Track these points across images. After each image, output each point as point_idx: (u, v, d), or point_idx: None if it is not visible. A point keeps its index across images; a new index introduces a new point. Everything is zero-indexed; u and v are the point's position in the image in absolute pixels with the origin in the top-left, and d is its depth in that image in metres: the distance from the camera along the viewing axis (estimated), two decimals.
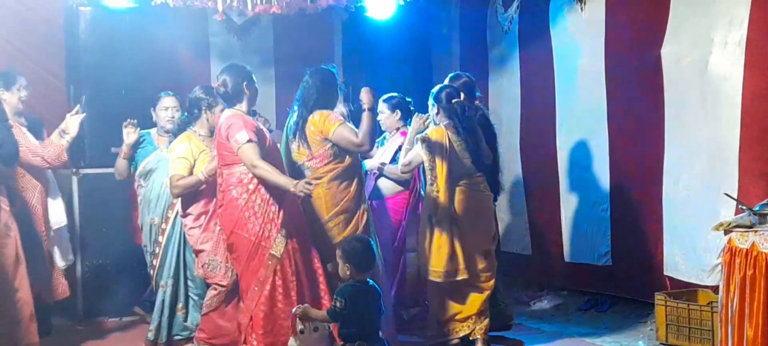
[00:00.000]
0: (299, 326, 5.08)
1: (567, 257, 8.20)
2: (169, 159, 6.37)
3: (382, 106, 7.12)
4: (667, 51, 6.99)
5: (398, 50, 9.33)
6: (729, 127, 6.37)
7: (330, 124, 5.89)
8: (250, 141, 5.59)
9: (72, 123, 6.54)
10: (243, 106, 5.89)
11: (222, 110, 6.26)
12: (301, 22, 8.85)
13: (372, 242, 5.51)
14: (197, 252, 6.41)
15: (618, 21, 7.54)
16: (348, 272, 5.16)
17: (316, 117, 5.95)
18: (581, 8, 7.85)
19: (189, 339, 6.60)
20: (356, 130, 5.98)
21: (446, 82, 6.72)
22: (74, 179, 7.72)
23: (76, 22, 8.21)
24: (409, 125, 6.82)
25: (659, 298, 6.63)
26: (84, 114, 6.74)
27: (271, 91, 8.93)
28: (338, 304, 5.03)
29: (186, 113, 6.65)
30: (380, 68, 8.69)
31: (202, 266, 6.38)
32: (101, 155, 7.11)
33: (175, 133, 6.61)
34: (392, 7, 8.42)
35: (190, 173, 6.28)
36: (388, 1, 8.32)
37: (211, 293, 6.36)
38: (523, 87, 8.54)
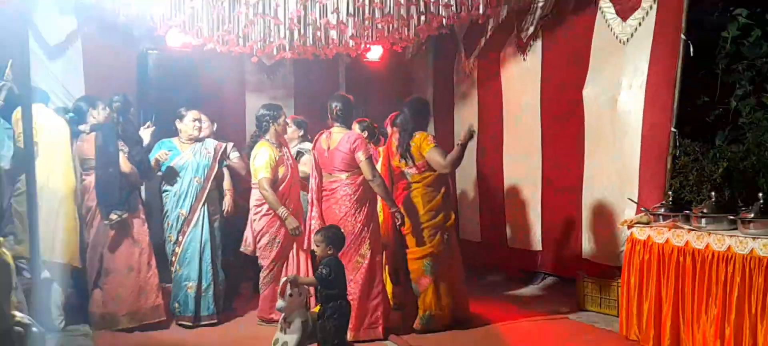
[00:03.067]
0: (288, 291, 5.04)
1: (509, 243, 8.24)
2: (254, 163, 6.18)
3: (354, 126, 7.02)
4: (587, 92, 7.05)
5: (386, 88, 9.35)
6: (632, 149, 6.45)
7: (427, 144, 5.95)
8: (371, 157, 5.78)
9: (145, 134, 6.52)
10: (355, 126, 6.03)
11: (284, 120, 6.40)
12: (315, 65, 8.85)
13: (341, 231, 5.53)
14: (259, 236, 6.23)
15: (550, 68, 7.60)
16: (329, 252, 5.20)
17: (417, 136, 6.00)
18: (523, 57, 7.88)
19: (212, 317, 6.37)
20: (446, 153, 5.99)
21: None
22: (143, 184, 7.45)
23: (146, 62, 8.22)
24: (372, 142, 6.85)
25: (580, 275, 6.70)
26: (154, 127, 6.70)
27: (290, 111, 8.91)
28: (325, 271, 5.08)
29: (256, 128, 6.50)
30: (374, 101, 8.69)
31: (260, 249, 6.25)
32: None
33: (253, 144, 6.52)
34: (381, 55, 8.50)
35: (273, 176, 6.11)
36: (379, 51, 8.39)
37: (264, 273, 6.24)
38: (480, 117, 8.57)
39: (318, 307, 5.14)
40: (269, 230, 6.17)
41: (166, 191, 6.50)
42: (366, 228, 5.81)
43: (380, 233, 6.07)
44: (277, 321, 5.34)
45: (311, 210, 6.01)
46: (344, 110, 5.91)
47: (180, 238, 6.33)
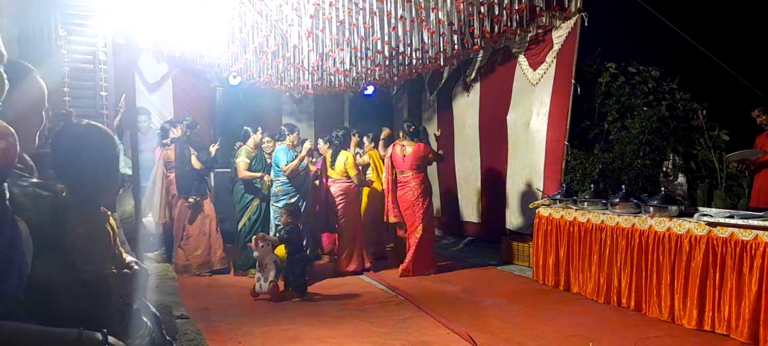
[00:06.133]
0: (260, 244, 5.05)
1: (461, 218, 8.22)
2: (346, 164, 6.02)
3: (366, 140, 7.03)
4: (510, 117, 7.04)
5: (376, 112, 9.35)
6: (539, 155, 6.46)
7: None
8: (433, 153, 6.13)
9: (212, 149, 6.45)
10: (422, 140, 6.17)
11: (354, 137, 6.59)
12: (328, 98, 8.85)
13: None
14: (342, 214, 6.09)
15: (485, 101, 7.58)
16: (289, 220, 5.23)
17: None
18: (467, 94, 7.87)
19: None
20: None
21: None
22: (211, 175, 7.32)
23: (214, 95, 8.19)
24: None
25: (504, 239, 6.71)
26: (219, 146, 6.60)
27: (311, 131, 8.92)
28: (284, 234, 5.14)
29: (337, 141, 6.14)
30: (368, 121, 8.69)
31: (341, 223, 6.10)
32: (225, 161, 6.97)
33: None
34: (374, 92, 8.47)
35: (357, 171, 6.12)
36: (372, 89, 8.37)
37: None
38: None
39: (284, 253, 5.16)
40: (347, 211, 6.08)
41: (287, 183, 5.88)
42: (427, 209, 5.99)
43: (433, 212, 6.18)
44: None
45: (388, 195, 6.03)
46: (415, 131, 6.09)
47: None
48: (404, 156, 5.98)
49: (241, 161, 6.04)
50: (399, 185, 6.03)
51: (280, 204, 5.80)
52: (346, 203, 6.09)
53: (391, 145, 6.20)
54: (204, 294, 5.24)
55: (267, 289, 4.98)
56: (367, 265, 6.17)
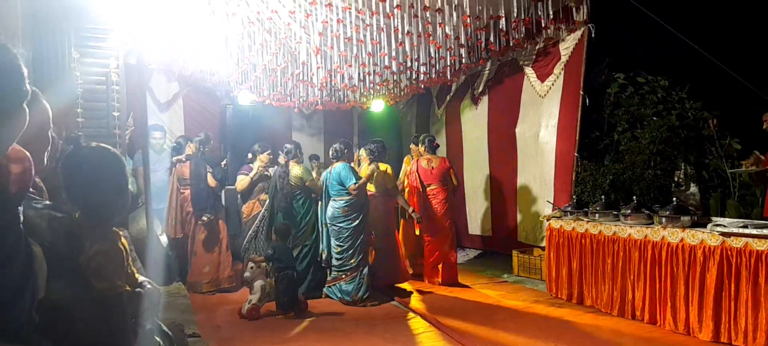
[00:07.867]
0: (251, 265, 5.08)
1: (470, 230, 8.16)
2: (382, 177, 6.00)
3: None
4: (519, 129, 7.01)
5: (384, 127, 9.32)
6: (549, 167, 6.41)
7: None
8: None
9: (222, 163, 6.47)
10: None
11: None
12: (337, 114, 8.87)
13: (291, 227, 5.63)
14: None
15: (494, 114, 7.56)
16: (276, 239, 5.27)
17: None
18: (476, 107, 7.86)
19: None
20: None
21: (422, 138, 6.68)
22: (222, 193, 7.41)
23: (225, 113, 8.23)
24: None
25: (515, 252, 6.66)
26: (227, 164, 6.60)
27: (321, 146, 8.94)
28: (270, 252, 5.13)
29: (372, 155, 5.89)
30: (376, 136, 8.68)
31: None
32: (235, 179, 6.95)
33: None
34: (382, 106, 8.49)
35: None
36: (380, 104, 8.39)
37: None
38: (447, 146, 8.56)
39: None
40: (383, 224, 5.99)
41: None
42: (451, 220, 6.31)
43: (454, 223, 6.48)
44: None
45: (419, 205, 6.26)
46: (437, 146, 6.51)
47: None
48: (432, 169, 6.23)
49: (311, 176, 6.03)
50: (428, 196, 6.23)
51: (345, 225, 5.44)
52: (383, 216, 6.01)
53: (415, 160, 6.41)
54: (215, 312, 5.24)
55: (246, 310, 4.96)
56: (405, 278, 6.11)
